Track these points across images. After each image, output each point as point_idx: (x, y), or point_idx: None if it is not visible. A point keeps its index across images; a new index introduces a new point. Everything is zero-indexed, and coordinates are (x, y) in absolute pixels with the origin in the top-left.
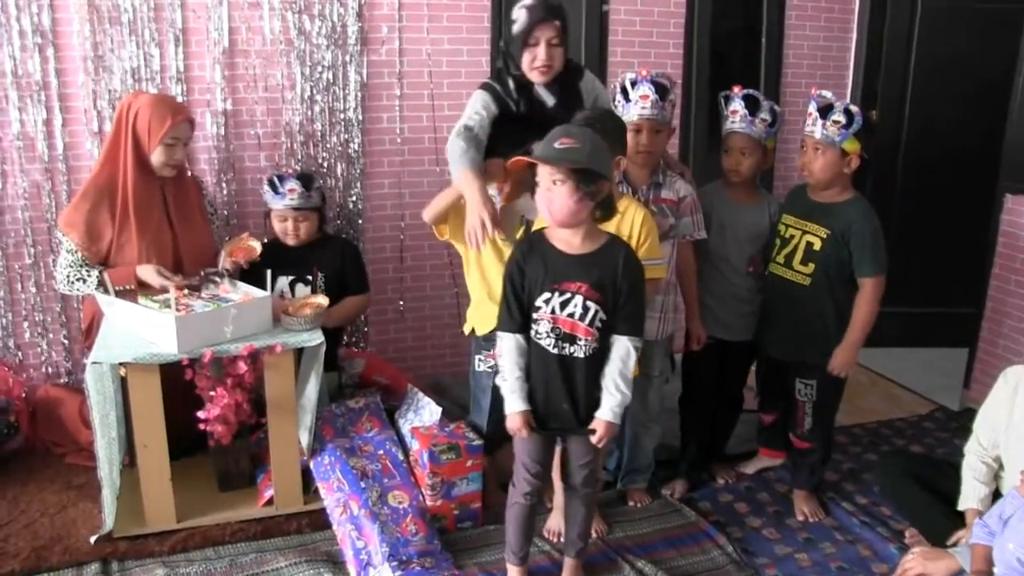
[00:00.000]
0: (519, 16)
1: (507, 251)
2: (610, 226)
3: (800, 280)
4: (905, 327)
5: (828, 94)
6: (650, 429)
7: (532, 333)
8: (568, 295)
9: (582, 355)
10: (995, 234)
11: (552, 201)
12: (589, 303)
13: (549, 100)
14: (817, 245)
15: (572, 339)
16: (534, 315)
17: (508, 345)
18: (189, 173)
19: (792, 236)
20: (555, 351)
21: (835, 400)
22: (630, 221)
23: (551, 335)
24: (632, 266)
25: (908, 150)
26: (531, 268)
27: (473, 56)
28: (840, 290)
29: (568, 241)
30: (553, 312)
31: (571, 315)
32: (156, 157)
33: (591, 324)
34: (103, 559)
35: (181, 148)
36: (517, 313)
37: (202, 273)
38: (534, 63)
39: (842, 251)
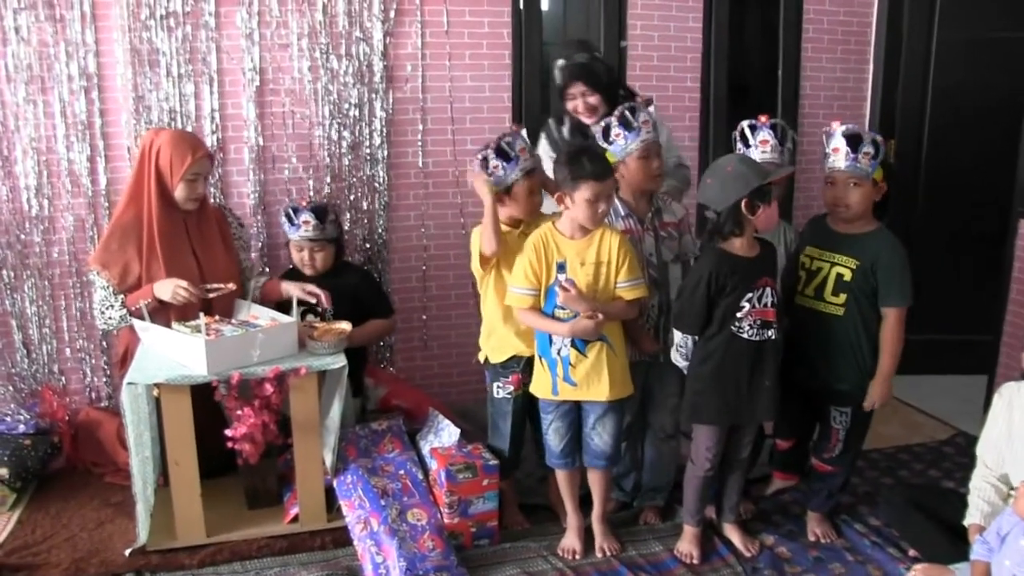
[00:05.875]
0: (555, 75)
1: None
2: (590, 251)
3: (834, 311)
4: (924, 354)
5: (850, 125)
6: (668, 445)
7: (733, 330)
8: (761, 289)
9: (775, 336)
10: (1011, 260)
11: (772, 215)
12: (774, 291)
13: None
14: (848, 276)
15: (768, 324)
16: (738, 315)
17: (685, 339)
18: (212, 201)
19: (820, 268)
20: (757, 338)
21: (866, 426)
22: (608, 244)
23: (753, 326)
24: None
25: (927, 179)
26: (729, 277)
27: (495, 92)
28: (870, 318)
29: (746, 248)
30: (753, 306)
31: (766, 304)
32: (179, 192)
33: (774, 306)
34: (136, 571)
35: (202, 182)
36: (704, 315)
37: (208, 286)
38: (576, 111)
39: (871, 281)
